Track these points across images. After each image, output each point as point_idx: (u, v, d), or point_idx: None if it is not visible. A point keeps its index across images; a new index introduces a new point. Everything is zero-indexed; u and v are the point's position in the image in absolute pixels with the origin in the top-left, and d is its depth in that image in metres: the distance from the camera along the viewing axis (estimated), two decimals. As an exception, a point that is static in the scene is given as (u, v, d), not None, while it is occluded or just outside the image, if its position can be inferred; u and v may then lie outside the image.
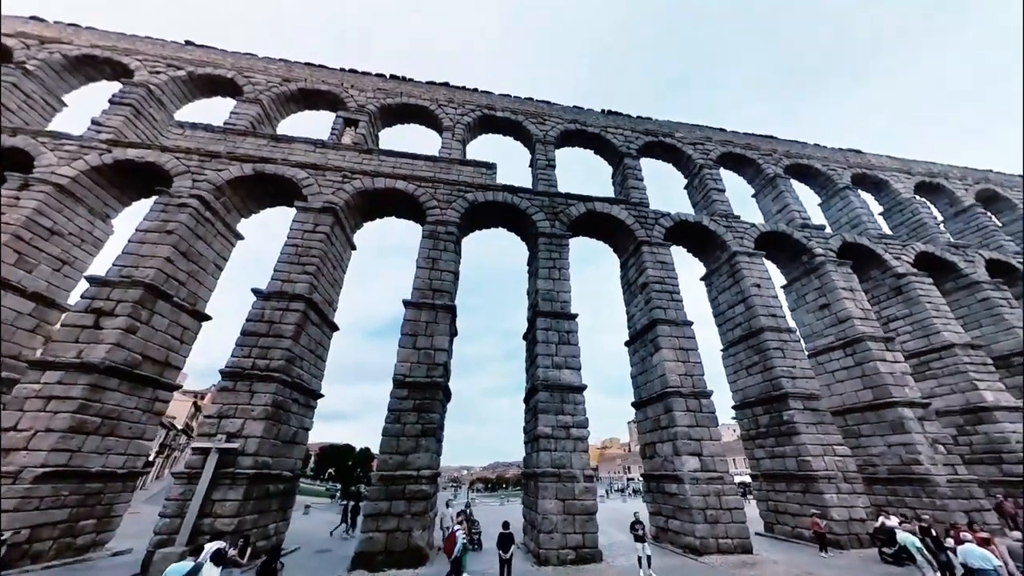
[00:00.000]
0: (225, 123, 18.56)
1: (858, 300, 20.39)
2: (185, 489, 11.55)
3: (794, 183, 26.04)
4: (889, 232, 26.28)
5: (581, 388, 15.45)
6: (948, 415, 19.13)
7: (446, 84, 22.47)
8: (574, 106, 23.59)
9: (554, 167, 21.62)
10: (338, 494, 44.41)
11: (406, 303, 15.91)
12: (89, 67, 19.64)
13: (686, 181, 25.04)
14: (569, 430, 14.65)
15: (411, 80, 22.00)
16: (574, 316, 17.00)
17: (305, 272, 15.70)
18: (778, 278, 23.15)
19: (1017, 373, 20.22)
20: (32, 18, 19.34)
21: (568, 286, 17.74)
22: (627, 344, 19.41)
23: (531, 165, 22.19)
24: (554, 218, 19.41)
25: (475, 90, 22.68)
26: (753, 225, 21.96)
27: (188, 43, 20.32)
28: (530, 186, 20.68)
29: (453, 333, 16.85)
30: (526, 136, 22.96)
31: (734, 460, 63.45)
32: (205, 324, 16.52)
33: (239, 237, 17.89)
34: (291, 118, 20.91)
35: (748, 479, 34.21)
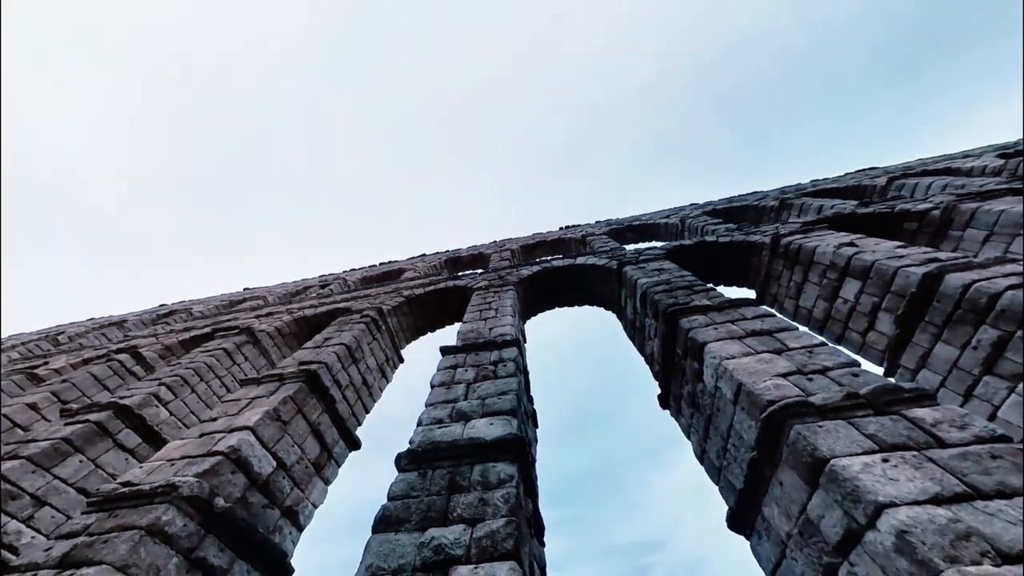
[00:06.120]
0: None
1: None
2: None
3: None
4: None
5: (513, 443, 4.39)
6: None
7: (423, 255, 20.14)
8: (533, 233, 19.35)
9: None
10: None
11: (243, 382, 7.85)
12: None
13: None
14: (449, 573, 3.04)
15: (397, 260, 20.08)
16: (512, 341, 7.23)
17: (161, 384, 9.03)
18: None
19: None
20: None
21: (508, 322, 8.58)
22: (662, 401, 7.53)
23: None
24: (500, 281, 11.90)
25: (446, 251, 19.91)
26: (787, 222, 12.11)
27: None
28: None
29: (321, 425, 7.42)
30: (486, 262, 18.03)
31: None
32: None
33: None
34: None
35: None
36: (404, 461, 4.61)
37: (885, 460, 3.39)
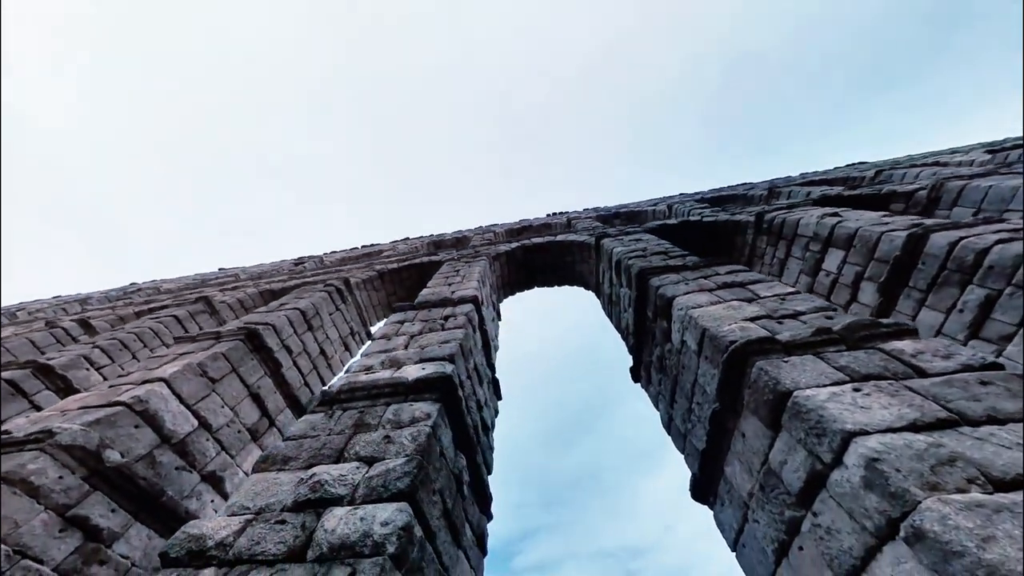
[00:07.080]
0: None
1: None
2: None
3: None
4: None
5: (438, 380, 3.75)
6: None
7: (406, 238, 19.55)
8: (520, 219, 18.86)
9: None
10: None
11: (178, 339, 7.13)
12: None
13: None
14: (329, 541, 2.36)
15: (379, 244, 19.46)
16: (469, 299, 6.65)
17: (95, 347, 8.31)
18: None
19: None
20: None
21: (473, 286, 7.98)
22: (633, 374, 6.96)
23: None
24: (475, 254, 11.33)
25: (430, 234, 19.33)
26: (774, 205, 11.68)
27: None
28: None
29: (261, 389, 6.76)
30: (469, 245, 17.43)
31: None
32: None
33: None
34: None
35: None
36: (314, 404, 3.99)
37: (856, 390, 2.84)
